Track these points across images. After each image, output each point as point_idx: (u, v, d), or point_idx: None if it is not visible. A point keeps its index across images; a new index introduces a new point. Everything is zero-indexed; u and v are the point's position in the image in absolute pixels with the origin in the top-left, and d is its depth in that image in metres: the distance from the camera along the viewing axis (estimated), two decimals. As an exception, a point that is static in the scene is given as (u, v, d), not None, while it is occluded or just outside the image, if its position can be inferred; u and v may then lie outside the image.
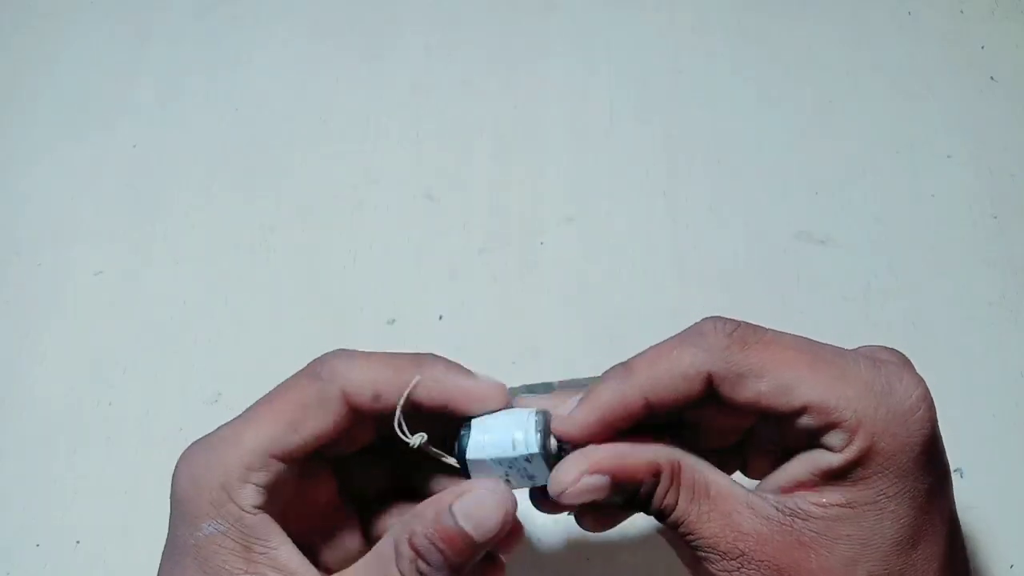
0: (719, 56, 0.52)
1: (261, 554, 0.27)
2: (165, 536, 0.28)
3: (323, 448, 0.29)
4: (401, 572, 0.26)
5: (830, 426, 0.25)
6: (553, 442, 0.28)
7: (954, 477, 0.40)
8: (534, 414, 0.28)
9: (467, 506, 0.26)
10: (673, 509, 0.27)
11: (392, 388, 0.28)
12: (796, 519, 0.26)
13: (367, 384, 0.28)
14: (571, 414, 0.27)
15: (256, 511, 0.27)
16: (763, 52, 0.52)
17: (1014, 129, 0.50)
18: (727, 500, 0.26)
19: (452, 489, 0.27)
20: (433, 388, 0.28)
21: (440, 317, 0.44)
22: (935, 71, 0.52)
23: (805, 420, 0.26)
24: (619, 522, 0.31)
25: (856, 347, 0.28)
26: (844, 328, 0.44)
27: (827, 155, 0.49)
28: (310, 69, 0.52)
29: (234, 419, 0.28)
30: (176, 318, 0.45)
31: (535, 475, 0.28)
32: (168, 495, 0.28)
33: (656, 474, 0.26)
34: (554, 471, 0.27)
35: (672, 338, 0.28)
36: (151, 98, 0.51)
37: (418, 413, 0.28)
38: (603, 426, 0.27)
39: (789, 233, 0.46)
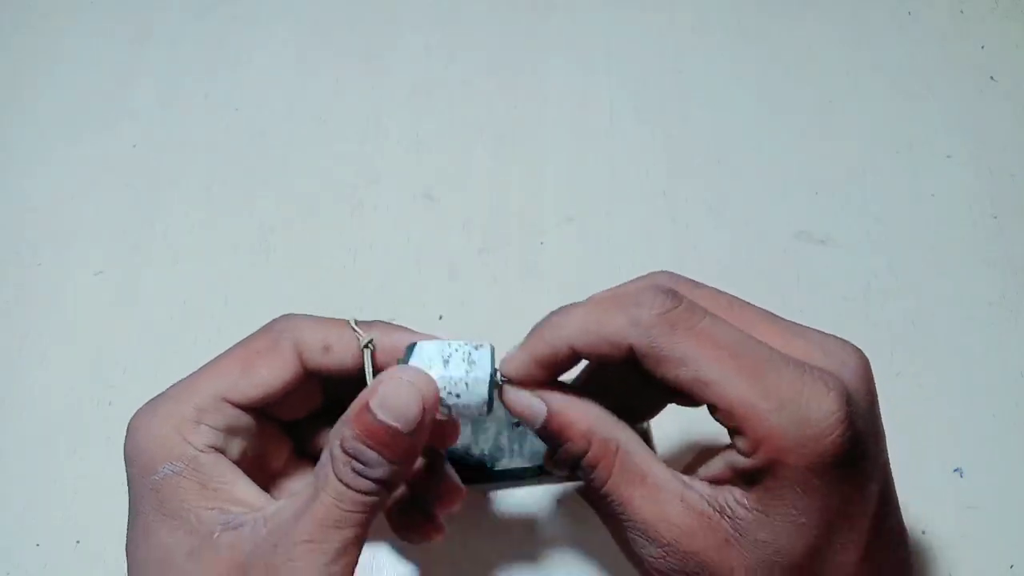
0: (719, 56, 0.52)
1: (217, 490, 0.27)
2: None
3: (274, 408, 0.30)
4: (338, 476, 0.26)
5: (739, 431, 0.25)
6: (499, 375, 0.28)
7: (954, 477, 0.41)
8: (487, 344, 0.29)
9: (384, 399, 0.26)
10: (604, 484, 0.27)
11: (342, 343, 0.29)
12: (724, 517, 0.26)
13: (318, 337, 0.29)
14: (510, 355, 0.29)
15: (210, 450, 0.28)
16: (763, 52, 0.52)
17: (1014, 129, 0.50)
18: (662, 490, 0.27)
19: (370, 387, 0.27)
20: (384, 339, 0.29)
21: (440, 317, 0.44)
22: (935, 71, 0.52)
23: (718, 416, 0.26)
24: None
25: (818, 334, 0.28)
26: (844, 328, 0.44)
27: (827, 155, 0.49)
28: (310, 69, 0.52)
29: (186, 376, 0.29)
30: (176, 318, 0.45)
31: (469, 402, 0.28)
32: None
33: (587, 442, 0.27)
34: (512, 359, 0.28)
35: (619, 290, 0.29)
36: (151, 98, 0.51)
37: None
38: (535, 367, 0.28)
39: (789, 233, 0.46)
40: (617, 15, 0.54)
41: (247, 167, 0.49)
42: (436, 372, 0.27)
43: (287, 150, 0.49)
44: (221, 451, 0.28)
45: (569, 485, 0.40)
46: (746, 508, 0.26)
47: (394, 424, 0.26)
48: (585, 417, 0.28)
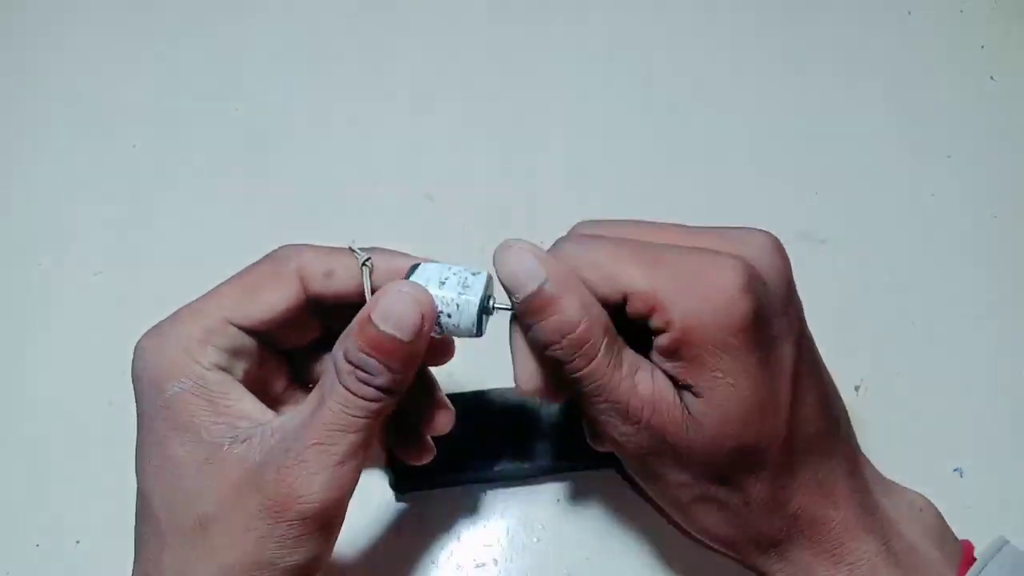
0: (719, 56, 0.52)
1: (225, 406, 0.29)
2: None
3: (276, 335, 0.31)
4: (344, 384, 0.27)
5: (649, 315, 0.28)
6: (492, 301, 0.30)
7: (954, 477, 0.41)
8: (485, 272, 0.30)
9: (384, 309, 0.27)
10: (589, 363, 0.28)
11: (343, 269, 0.30)
12: (685, 393, 0.28)
13: (320, 263, 0.30)
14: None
15: (216, 369, 0.29)
16: (763, 52, 0.52)
17: (1014, 129, 0.50)
18: (636, 370, 0.29)
19: (371, 301, 0.28)
20: (382, 262, 0.30)
21: (440, 317, 0.44)
22: (935, 71, 0.52)
23: (633, 307, 0.28)
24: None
25: (726, 228, 0.31)
26: (844, 328, 0.44)
27: (827, 155, 0.49)
28: (310, 69, 0.52)
29: (192, 300, 0.31)
30: (176, 318, 0.45)
31: (459, 323, 0.29)
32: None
33: (579, 318, 0.28)
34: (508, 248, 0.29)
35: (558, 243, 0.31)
36: (151, 98, 0.51)
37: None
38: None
39: (789, 233, 0.46)
40: (617, 15, 0.54)
41: (247, 167, 0.49)
42: (432, 291, 0.29)
43: (287, 150, 0.49)
44: (227, 371, 0.30)
45: (567, 484, 0.40)
46: (682, 383, 0.28)
47: (394, 333, 0.27)
48: (581, 292, 0.28)
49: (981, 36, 0.53)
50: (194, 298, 0.31)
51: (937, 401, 0.43)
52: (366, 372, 0.27)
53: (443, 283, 0.29)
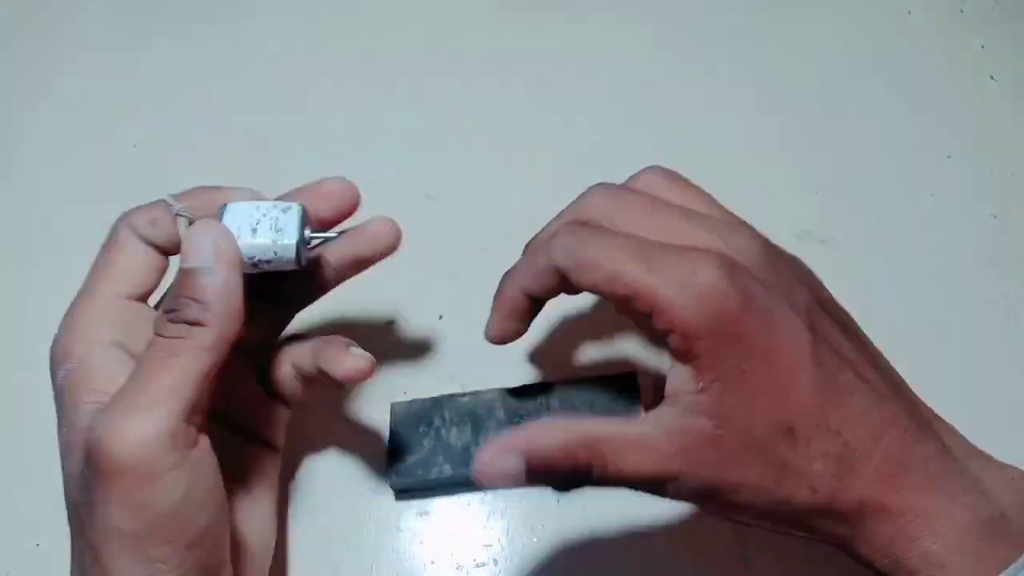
0: (719, 56, 0.52)
1: (102, 384, 0.29)
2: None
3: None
4: (156, 330, 0.28)
5: (652, 313, 0.28)
6: (308, 232, 0.31)
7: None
8: (295, 206, 0.31)
9: (185, 251, 0.29)
10: (604, 479, 0.29)
11: (164, 213, 0.32)
12: (694, 417, 0.28)
13: (142, 214, 0.32)
14: (489, 321, 0.34)
15: (110, 345, 0.30)
16: (763, 52, 0.52)
17: (1014, 129, 0.50)
18: (643, 441, 0.29)
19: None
20: (197, 207, 0.32)
21: (440, 317, 0.44)
22: (935, 71, 0.52)
23: (636, 306, 0.29)
24: None
25: (715, 221, 0.33)
26: (844, 328, 0.44)
27: (827, 155, 0.49)
28: (310, 69, 0.52)
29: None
30: (176, 318, 0.45)
31: (280, 265, 0.30)
32: None
33: (573, 457, 0.28)
34: (478, 455, 0.29)
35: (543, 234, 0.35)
36: (151, 98, 0.51)
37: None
38: (508, 319, 0.34)
39: (789, 233, 0.46)
40: (617, 15, 0.54)
41: (247, 167, 0.49)
42: (244, 241, 0.30)
43: (287, 150, 0.49)
44: (121, 346, 0.30)
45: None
46: (701, 386, 0.28)
47: (195, 266, 0.28)
48: (553, 435, 0.29)
49: (981, 36, 0.53)
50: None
51: (937, 401, 0.43)
52: (176, 311, 0.28)
53: (255, 230, 0.30)
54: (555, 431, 0.29)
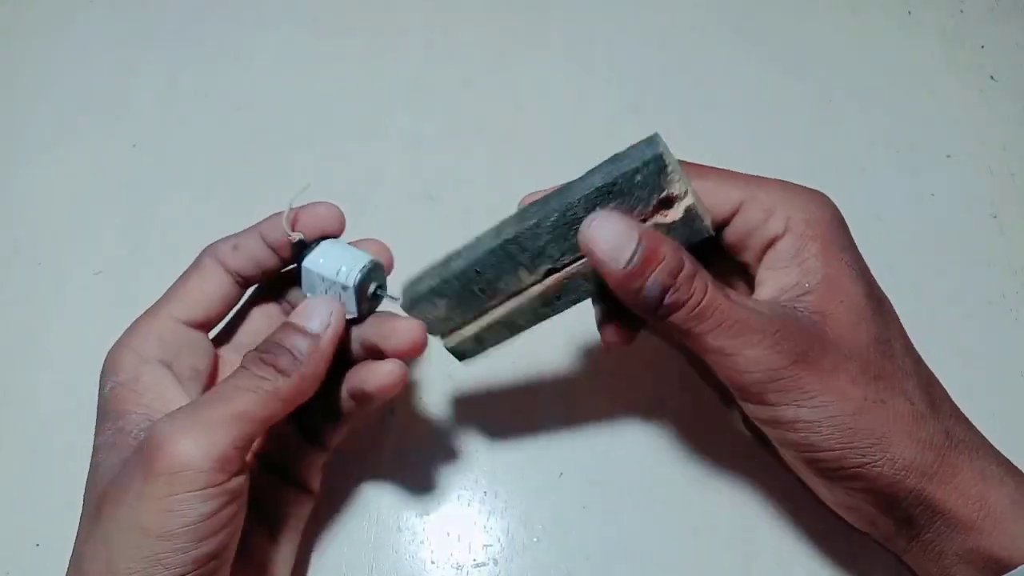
0: (719, 56, 0.52)
1: (151, 399, 0.31)
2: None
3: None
4: (243, 364, 0.30)
5: (768, 215, 0.31)
6: (373, 286, 0.33)
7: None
8: (368, 257, 0.33)
9: (307, 310, 0.31)
10: (706, 292, 0.29)
11: (245, 239, 0.34)
12: (802, 311, 0.30)
13: (225, 243, 0.34)
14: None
15: (157, 364, 0.32)
16: (763, 52, 0.52)
17: (1014, 129, 0.50)
18: (744, 291, 0.32)
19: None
20: (276, 221, 0.33)
21: (440, 317, 0.44)
22: (935, 71, 0.52)
23: (747, 216, 0.31)
24: (635, 337, 0.34)
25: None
26: (844, 328, 0.44)
27: (827, 155, 0.49)
28: (310, 69, 0.52)
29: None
30: (176, 318, 0.45)
31: (348, 308, 0.32)
32: None
33: (686, 280, 0.29)
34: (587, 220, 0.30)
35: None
36: (151, 98, 0.51)
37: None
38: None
39: (789, 233, 0.46)
40: (617, 15, 0.54)
41: (247, 167, 0.49)
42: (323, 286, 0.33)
43: (287, 150, 0.49)
44: (169, 367, 0.32)
45: (568, 484, 0.40)
46: (808, 286, 0.30)
47: (305, 327, 0.31)
48: (675, 247, 0.30)
49: (981, 36, 0.53)
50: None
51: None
52: (270, 354, 0.30)
53: (327, 281, 0.33)
54: (670, 247, 0.29)
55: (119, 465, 0.29)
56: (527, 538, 0.39)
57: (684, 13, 0.54)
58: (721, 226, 0.32)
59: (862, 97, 0.51)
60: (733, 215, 0.32)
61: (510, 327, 0.34)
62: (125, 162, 0.49)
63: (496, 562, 0.38)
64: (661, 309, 0.29)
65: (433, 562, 0.38)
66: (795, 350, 0.29)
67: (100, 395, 0.32)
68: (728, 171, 0.32)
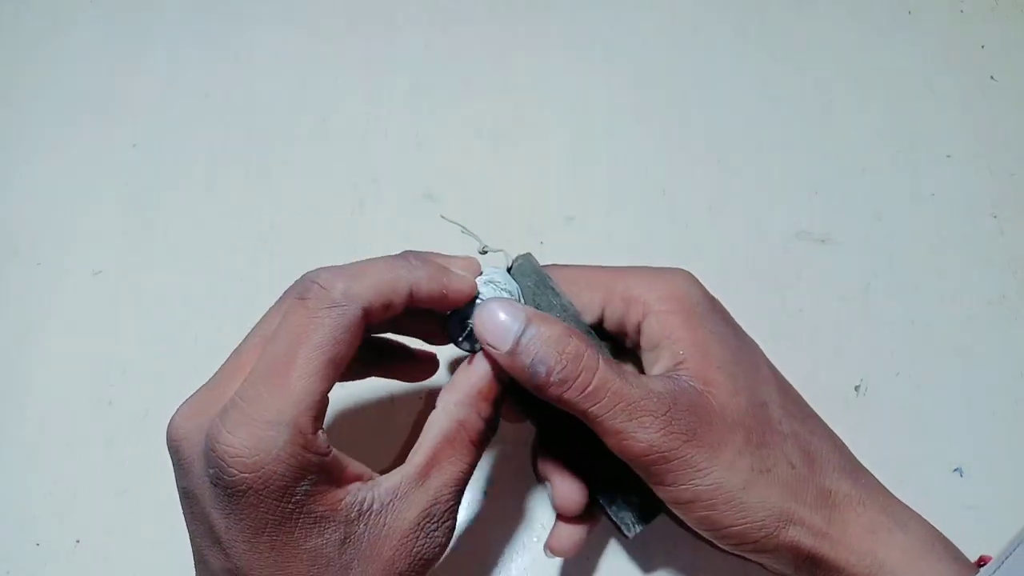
0: (719, 56, 0.52)
1: (338, 479, 0.29)
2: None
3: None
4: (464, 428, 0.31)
5: (628, 304, 0.32)
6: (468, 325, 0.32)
7: (954, 477, 0.41)
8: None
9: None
10: (595, 373, 0.29)
11: (396, 293, 0.30)
12: (679, 381, 0.30)
13: (379, 297, 0.30)
14: None
15: (328, 448, 0.28)
16: (763, 52, 0.52)
17: (1014, 129, 0.50)
18: (632, 372, 0.31)
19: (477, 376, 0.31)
20: (426, 286, 0.31)
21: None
22: (935, 71, 0.52)
23: (611, 311, 0.33)
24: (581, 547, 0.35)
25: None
26: (844, 328, 0.44)
27: (827, 155, 0.49)
28: (310, 69, 0.52)
29: (254, 381, 0.28)
30: (176, 318, 0.45)
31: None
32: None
33: (572, 364, 0.29)
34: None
35: None
36: (151, 98, 0.51)
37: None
38: None
39: (789, 232, 0.46)
40: (617, 15, 0.54)
41: (247, 167, 0.49)
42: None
43: (287, 150, 0.49)
44: (326, 434, 0.29)
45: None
46: (683, 358, 0.31)
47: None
48: (557, 320, 0.30)
49: (981, 36, 0.53)
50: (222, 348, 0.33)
51: (937, 401, 0.43)
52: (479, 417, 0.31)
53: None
54: (557, 328, 0.30)
55: (368, 563, 0.29)
56: (527, 538, 0.39)
57: (684, 13, 0.54)
58: (598, 323, 0.34)
59: (862, 97, 0.51)
60: (602, 311, 0.33)
61: None
62: (125, 162, 0.49)
63: (496, 562, 0.38)
64: (551, 387, 0.29)
65: (433, 562, 0.38)
66: (685, 429, 0.29)
67: (274, 507, 0.27)
68: (592, 270, 0.34)
